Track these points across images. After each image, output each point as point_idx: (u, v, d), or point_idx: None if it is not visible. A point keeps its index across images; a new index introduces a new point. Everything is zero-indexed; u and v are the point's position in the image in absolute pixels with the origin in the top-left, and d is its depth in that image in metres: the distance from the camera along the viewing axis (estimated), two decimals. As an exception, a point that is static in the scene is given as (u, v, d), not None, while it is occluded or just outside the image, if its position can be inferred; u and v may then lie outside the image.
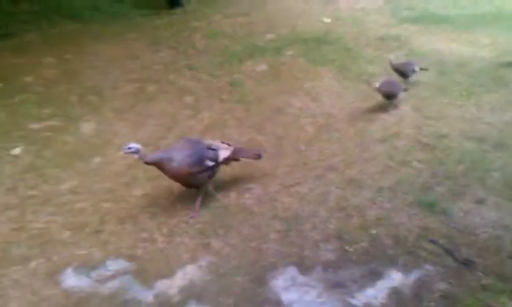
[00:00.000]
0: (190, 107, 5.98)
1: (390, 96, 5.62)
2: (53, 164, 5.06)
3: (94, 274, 3.72)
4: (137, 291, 3.56)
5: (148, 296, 3.52)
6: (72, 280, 3.68)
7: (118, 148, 5.26)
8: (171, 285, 3.60)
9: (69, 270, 3.76)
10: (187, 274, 3.68)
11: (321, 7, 9.34)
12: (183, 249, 3.92)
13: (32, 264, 3.84)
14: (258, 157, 4.56)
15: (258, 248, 3.88)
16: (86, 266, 3.79)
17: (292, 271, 3.65)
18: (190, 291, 3.53)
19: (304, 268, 3.67)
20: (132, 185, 4.71)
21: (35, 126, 5.77)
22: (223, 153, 4.34)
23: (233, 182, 4.66)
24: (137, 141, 5.28)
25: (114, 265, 3.78)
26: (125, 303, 3.46)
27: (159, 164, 4.11)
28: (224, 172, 4.67)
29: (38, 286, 3.63)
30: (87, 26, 8.50)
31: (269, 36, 7.84)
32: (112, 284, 3.61)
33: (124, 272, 3.72)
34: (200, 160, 4.15)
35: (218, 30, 8.07)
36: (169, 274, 3.69)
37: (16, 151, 5.30)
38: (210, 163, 4.23)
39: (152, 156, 4.14)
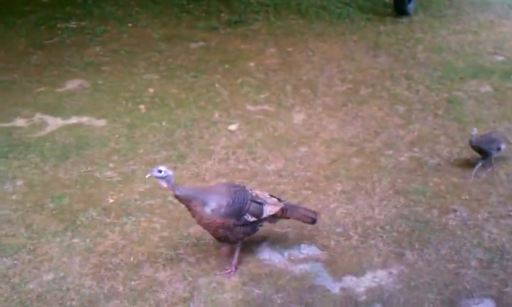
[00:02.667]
0: (401, 116, 5.85)
1: None
2: (263, 145, 5.35)
3: (287, 253, 3.87)
4: (326, 280, 3.62)
5: (335, 288, 3.55)
6: (266, 253, 3.88)
7: (324, 141, 5.40)
8: (359, 284, 3.59)
9: (265, 244, 3.97)
10: (377, 278, 3.64)
11: None
12: (375, 253, 3.87)
13: (234, 230, 4.12)
14: (312, 221, 3.84)
15: (455, 271, 3.68)
16: (281, 244, 3.97)
17: (489, 304, 3.41)
18: (377, 295, 3.49)
19: (504, 304, 3.41)
20: (333, 180, 4.77)
21: (251, 108, 6.16)
22: (269, 209, 3.72)
23: (436, 198, 4.46)
24: (342, 140, 5.41)
25: (307, 250, 3.89)
26: (313, 288, 3.55)
27: (189, 203, 3.60)
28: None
29: (236, 250, 3.89)
30: (311, 23, 8.81)
31: (498, 58, 7.31)
32: (303, 267, 3.73)
33: (315, 259, 3.81)
34: (239, 212, 3.61)
35: (443, 44, 7.75)
36: (358, 272, 3.68)
37: (233, 127, 5.72)
38: (251, 218, 3.67)
39: (185, 191, 3.63)
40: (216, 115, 5.94)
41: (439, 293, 3.49)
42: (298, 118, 5.92)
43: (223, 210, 3.55)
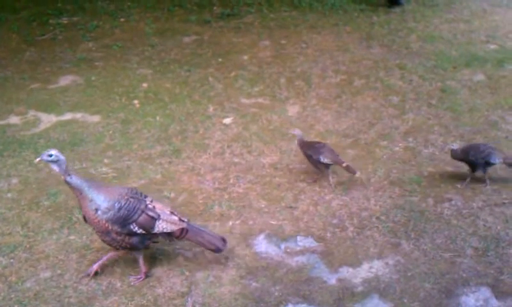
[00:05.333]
0: (395, 107, 5.86)
1: None
2: (258, 138, 5.35)
3: (284, 246, 3.88)
4: (322, 271, 3.64)
5: (332, 279, 3.57)
6: (263, 246, 3.89)
7: (319, 133, 5.41)
8: (356, 275, 3.61)
9: (261, 236, 3.98)
10: (373, 268, 3.65)
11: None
12: (371, 243, 3.89)
13: (230, 223, 4.14)
14: (217, 250, 3.58)
15: (451, 260, 3.70)
16: (277, 236, 3.98)
17: (486, 292, 3.44)
18: (374, 285, 3.51)
19: (499, 292, 3.44)
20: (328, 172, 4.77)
21: (246, 101, 6.16)
22: (163, 226, 3.47)
23: (431, 188, 4.48)
24: (337, 131, 5.41)
25: (303, 242, 3.90)
26: (310, 280, 3.56)
27: (78, 194, 3.41)
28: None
29: (232, 243, 3.89)
30: (305, 15, 8.80)
31: (491, 47, 7.32)
32: (300, 259, 3.75)
33: (312, 251, 3.82)
34: (124, 220, 3.40)
35: (436, 34, 7.76)
36: (355, 263, 3.70)
37: (227, 120, 5.71)
38: (139, 230, 3.44)
39: (77, 179, 3.42)
40: (211, 109, 5.94)
41: (435, 282, 3.51)
42: (293, 110, 5.93)
43: (107, 212, 3.37)
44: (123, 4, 9.42)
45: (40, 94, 6.36)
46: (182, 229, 3.52)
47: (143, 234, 3.47)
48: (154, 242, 3.69)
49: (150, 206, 3.48)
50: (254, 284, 3.55)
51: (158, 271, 3.67)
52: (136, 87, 6.48)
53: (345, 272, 3.63)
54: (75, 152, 5.13)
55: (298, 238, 3.94)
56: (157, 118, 5.76)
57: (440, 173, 4.68)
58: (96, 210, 3.37)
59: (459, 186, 4.50)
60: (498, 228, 3.99)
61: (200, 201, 4.40)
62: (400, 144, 5.16)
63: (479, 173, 4.50)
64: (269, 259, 3.76)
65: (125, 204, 3.40)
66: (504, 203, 4.26)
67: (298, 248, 3.85)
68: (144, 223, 3.43)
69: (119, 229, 3.40)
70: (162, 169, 4.86)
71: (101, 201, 3.38)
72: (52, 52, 7.58)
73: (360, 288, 3.49)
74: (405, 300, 3.38)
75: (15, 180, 4.72)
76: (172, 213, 3.55)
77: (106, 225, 3.39)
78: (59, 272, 3.68)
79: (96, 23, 8.58)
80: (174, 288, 3.53)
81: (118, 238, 3.43)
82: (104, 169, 4.88)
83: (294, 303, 3.39)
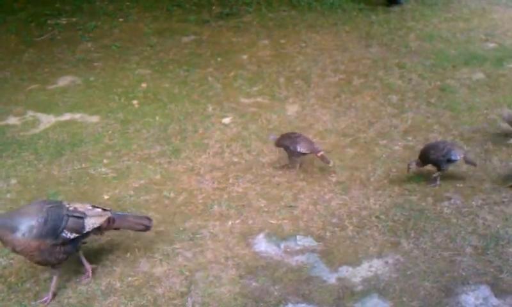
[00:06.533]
0: (394, 106, 5.85)
1: None
2: (257, 137, 5.34)
3: (283, 245, 3.88)
4: (322, 270, 3.64)
5: (332, 278, 3.57)
6: (262, 245, 3.89)
7: (318, 132, 5.40)
8: (355, 274, 3.61)
9: (261, 236, 3.98)
10: (373, 267, 3.65)
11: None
12: (371, 242, 3.88)
13: (229, 223, 4.13)
14: (146, 228, 3.66)
15: (450, 259, 3.69)
16: (277, 235, 3.98)
17: (485, 291, 3.43)
18: (373, 285, 3.50)
19: (499, 291, 3.43)
20: (327, 171, 4.77)
21: (245, 100, 6.16)
22: (92, 221, 3.44)
23: (431, 187, 4.47)
24: (336, 131, 5.40)
25: (303, 241, 3.90)
26: (309, 279, 3.56)
27: None
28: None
29: (232, 243, 3.90)
30: (304, 14, 8.78)
31: (490, 45, 7.32)
32: (300, 259, 3.74)
33: (311, 250, 3.82)
34: (55, 231, 3.29)
35: (435, 32, 7.75)
36: (354, 262, 3.70)
37: (227, 120, 5.71)
38: (72, 234, 3.36)
39: None
40: (210, 108, 5.94)
41: (435, 281, 3.50)
42: (292, 109, 5.92)
43: (35, 230, 3.22)
44: (122, 4, 9.42)
45: (38, 95, 6.36)
46: (109, 218, 3.51)
47: (76, 237, 3.40)
48: (83, 243, 3.60)
49: (71, 208, 3.41)
50: (254, 283, 3.54)
51: (157, 271, 3.67)
52: (135, 88, 6.48)
53: (345, 271, 3.63)
54: (74, 153, 5.13)
55: (298, 237, 3.93)
56: (156, 118, 5.76)
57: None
58: (23, 234, 3.21)
59: (431, 186, 4.50)
60: (498, 226, 3.99)
61: (200, 201, 4.40)
62: (399, 143, 5.16)
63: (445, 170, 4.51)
64: (269, 258, 3.76)
65: (48, 215, 3.29)
66: (504, 202, 4.25)
67: (298, 247, 3.85)
68: (75, 226, 3.37)
69: (53, 242, 3.29)
70: (162, 169, 4.86)
71: (23, 224, 3.23)
72: (51, 52, 7.58)
73: (359, 287, 3.48)
74: (404, 299, 3.37)
75: (14, 181, 4.72)
76: (94, 206, 3.52)
77: (37, 243, 3.24)
78: (58, 272, 3.68)
79: (95, 23, 8.57)
80: (173, 288, 3.53)
81: (55, 250, 3.32)
82: (103, 169, 4.87)
83: (293, 302, 3.39)
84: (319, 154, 4.63)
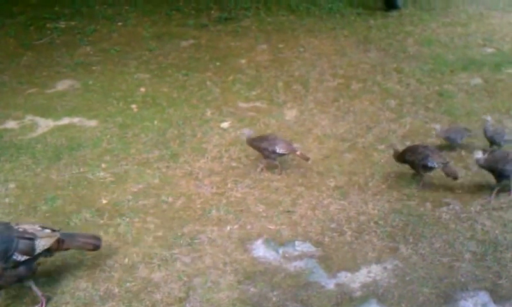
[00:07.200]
0: (392, 110, 5.86)
1: None
2: (255, 142, 5.34)
3: (282, 250, 3.87)
4: (321, 276, 3.63)
5: (330, 284, 3.57)
6: (261, 250, 3.88)
7: (316, 137, 5.41)
8: (354, 279, 3.60)
9: (259, 241, 3.97)
10: (371, 273, 3.65)
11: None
12: (370, 248, 3.88)
13: (228, 228, 4.12)
14: (94, 247, 3.59)
15: (449, 265, 3.70)
16: (275, 241, 3.97)
17: (484, 297, 3.43)
18: (372, 290, 3.50)
19: (498, 296, 3.44)
20: (326, 176, 4.78)
21: (243, 105, 6.16)
22: (43, 243, 3.32)
23: (429, 192, 4.48)
24: (335, 135, 5.40)
25: (301, 247, 3.89)
26: (308, 285, 3.55)
27: None
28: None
29: (230, 248, 3.89)
30: (302, 19, 8.81)
31: (488, 50, 7.34)
32: (298, 264, 3.74)
33: (310, 256, 3.81)
34: (5, 254, 3.16)
35: (433, 37, 7.78)
36: (353, 267, 3.70)
37: (225, 124, 5.71)
38: (22, 257, 3.23)
39: None
40: (208, 113, 5.94)
41: (434, 286, 3.50)
42: (290, 114, 5.92)
43: None
44: (121, 9, 9.43)
45: (37, 98, 6.35)
46: (58, 239, 3.41)
47: (27, 260, 3.27)
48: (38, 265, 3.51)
49: (20, 229, 3.30)
50: (252, 289, 3.53)
51: (156, 277, 3.66)
52: (134, 92, 6.48)
53: (344, 276, 3.62)
54: (72, 157, 5.12)
55: (296, 242, 3.93)
56: (155, 122, 5.75)
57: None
58: None
59: (416, 189, 4.51)
60: (496, 232, 3.99)
61: (198, 206, 4.39)
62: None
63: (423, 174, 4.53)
64: (267, 264, 3.75)
65: None
66: (502, 207, 4.26)
67: (296, 253, 3.84)
68: (25, 248, 3.24)
69: (4, 265, 3.17)
70: (160, 173, 4.85)
71: None
72: (50, 56, 7.58)
73: (358, 293, 3.48)
74: (403, 305, 3.37)
75: (12, 185, 4.71)
76: (43, 227, 3.42)
77: None
78: (56, 277, 3.66)
79: (94, 27, 8.58)
80: (172, 293, 3.52)
81: (6, 274, 3.20)
82: (102, 173, 4.87)
83: (292, 308, 3.39)
84: (297, 153, 4.74)
